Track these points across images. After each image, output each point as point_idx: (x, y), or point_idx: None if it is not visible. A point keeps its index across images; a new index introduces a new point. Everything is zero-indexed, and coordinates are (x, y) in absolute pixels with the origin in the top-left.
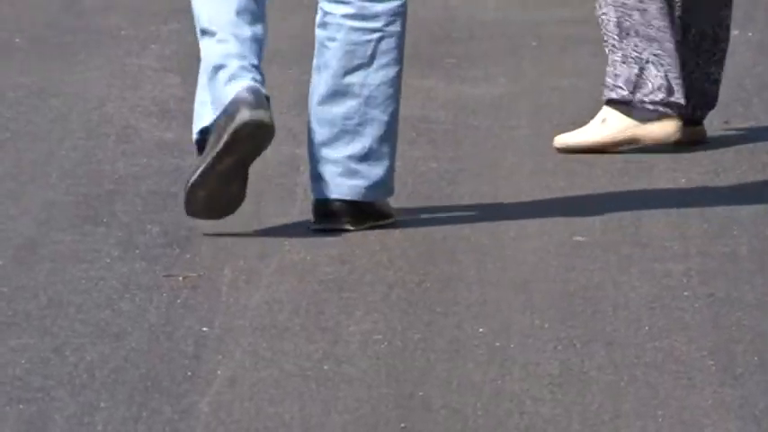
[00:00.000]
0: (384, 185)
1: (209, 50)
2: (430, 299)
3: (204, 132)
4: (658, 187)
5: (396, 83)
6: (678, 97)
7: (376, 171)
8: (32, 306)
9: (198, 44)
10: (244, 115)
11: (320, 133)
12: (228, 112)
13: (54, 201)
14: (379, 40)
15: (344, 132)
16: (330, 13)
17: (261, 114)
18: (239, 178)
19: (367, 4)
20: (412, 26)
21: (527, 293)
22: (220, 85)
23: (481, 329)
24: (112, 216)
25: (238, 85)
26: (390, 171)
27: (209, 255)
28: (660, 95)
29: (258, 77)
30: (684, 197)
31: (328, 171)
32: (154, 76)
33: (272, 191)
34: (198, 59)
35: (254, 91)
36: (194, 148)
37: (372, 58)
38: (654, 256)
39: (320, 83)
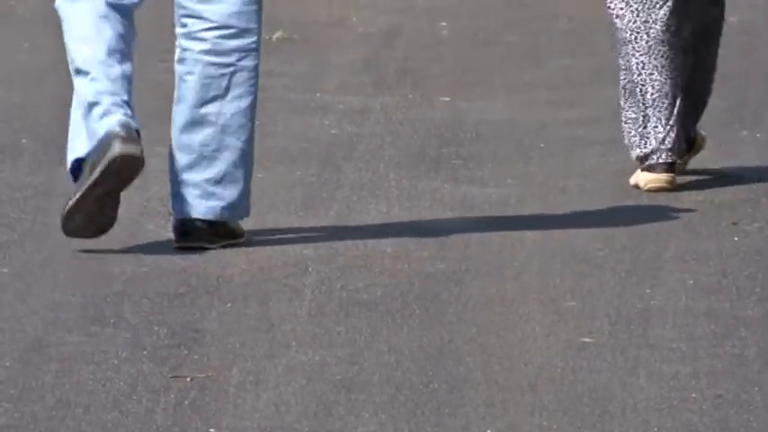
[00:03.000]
0: (239, 207)
1: (84, 89)
2: (437, 400)
3: (79, 161)
4: (666, 288)
5: (249, 113)
6: (645, 150)
7: (231, 193)
8: (39, 407)
9: None
10: (115, 149)
11: (180, 159)
12: (102, 144)
13: (61, 301)
14: (233, 73)
15: (202, 158)
16: (188, 50)
17: (131, 149)
18: (112, 203)
19: (221, 40)
20: (419, 127)
21: (535, 395)
22: (95, 120)
23: (489, 431)
24: (120, 317)
25: (111, 119)
26: (245, 193)
27: (216, 355)
28: (635, 151)
29: (128, 112)
30: (692, 298)
31: (188, 193)
32: (160, 176)
33: (280, 291)
34: None
35: (125, 125)
36: (71, 179)
37: (227, 90)
38: (662, 357)
39: (180, 113)
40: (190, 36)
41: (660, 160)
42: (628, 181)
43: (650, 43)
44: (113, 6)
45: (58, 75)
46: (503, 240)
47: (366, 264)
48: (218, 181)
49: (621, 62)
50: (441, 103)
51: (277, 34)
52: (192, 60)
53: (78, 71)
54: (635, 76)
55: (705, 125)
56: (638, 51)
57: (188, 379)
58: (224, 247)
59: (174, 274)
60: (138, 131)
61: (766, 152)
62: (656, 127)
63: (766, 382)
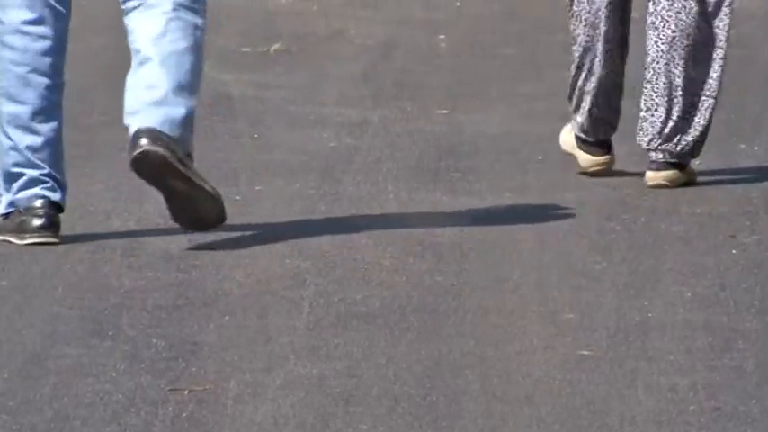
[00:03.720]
0: (183, 125)
1: (6, 152)
2: (436, 413)
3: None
4: (664, 301)
5: (187, 55)
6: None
7: (177, 111)
8: (38, 419)
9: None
10: (32, 238)
11: (128, 97)
12: (21, 227)
13: (60, 314)
14: (169, 20)
15: (148, 87)
16: (128, 15)
17: (49, 237)
18: None
19: None
20: (418, 139)
21: (533, 407)
22: (14, 190)
23: None
24: (118, 330)
25: (29, 193)
26: (189, 116)
27: (214, 368)
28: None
29: (47, 184)
30: (690, 311)
31: (139, 113)
32: None
33: (277, 304)
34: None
35: (45, 215)
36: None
37: (163, 34)
38: (660, 369)
39: (133, 66)
40: (127, 10)
41: (591, 140)
42: (626, 194)
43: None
44: (41, 53)
45: None
46: (501, 253)
47: (364, 276)
48: (163, 102)
49: (571, 34)
50: (439, 115)
51: (275, 46)
52: (132, 20)
53: (3, 129)
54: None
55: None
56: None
57: (186, 392)
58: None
59: (172, 286)
60: (57, 216)
61: (764, 165)
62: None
63: (764, 395)
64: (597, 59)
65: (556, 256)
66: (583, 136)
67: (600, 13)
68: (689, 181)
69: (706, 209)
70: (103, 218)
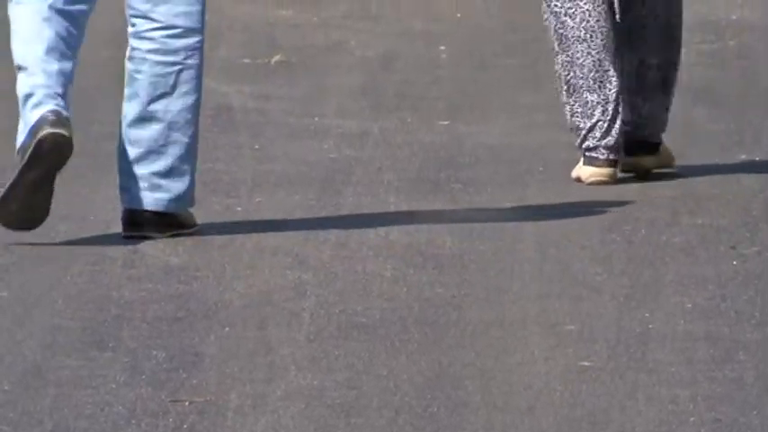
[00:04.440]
0: (185, 198)
1: (22, 83)
2: (437, 424)
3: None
4: (664, 312)
5: (194, 109)
6: (606, 142)
7: (177, 185)
8: (38, 431)
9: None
10: (45, 131)
11: (129, 153)
12: (33, 130)
13: (60, 326)
14: (179, 71)
15: (150, 152)
16: (137, 48)
17: (60, 129)
18: (45, 190)
19: (167, 40)
20: (418, 151)
21: (533, 419)
22: (28, 110)
23: None
24: (119, 341)
25: (43, 108)
26: (191, 186)
27: (215, 380)
28: (589, 142)
29: (61, 103)
30: (690, 322)
31: (136, 186)
32: None
33: (278, 315)
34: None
35: (55, 112)
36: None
37: (174, 87)
38: (660, 381)
39: (130, 109)
40: (138, 35)
41: (601, 156)
42: (627, 205)
43: (604, 41)
44: (58, 11)
45: None
46: (501, 264)
47: (365, 288)
48: (165, 174)
49: (568, 58)
50: (439, 126)
51: (276, 58)
52: (140, 59)
53: (18, 68)
54: (592, 73)
55: (704, 149)
56: (593, 50)
57: (186, 403)
58: (173, 236)
59: (172, 298)
60: (68, 118)
61: (765, 176)
62: (602, 122)
63: (765, 407)
64: (608, 68)
65: (556, 267)
66: (594, 154)
67: (588, 24)
68: (666, 164)
69: (706, 220)
70: (104, 228)
